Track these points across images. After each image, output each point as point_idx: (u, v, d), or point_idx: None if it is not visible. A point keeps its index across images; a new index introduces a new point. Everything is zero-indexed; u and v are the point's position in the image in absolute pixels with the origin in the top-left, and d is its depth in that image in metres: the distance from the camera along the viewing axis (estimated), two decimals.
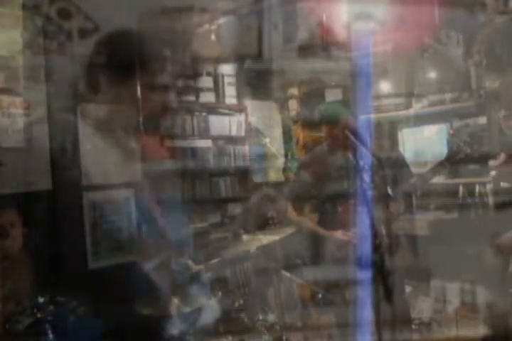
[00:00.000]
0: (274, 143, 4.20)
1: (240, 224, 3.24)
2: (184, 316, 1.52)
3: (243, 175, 3.94)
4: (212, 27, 3.33)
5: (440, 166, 2.36)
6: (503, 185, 2.46)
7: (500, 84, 2.92)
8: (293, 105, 4.18)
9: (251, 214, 3.27)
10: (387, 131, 3.71)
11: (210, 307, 2.01)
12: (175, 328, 1.48)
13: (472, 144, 2.28)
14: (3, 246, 1.32)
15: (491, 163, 2.50)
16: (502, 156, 2.40)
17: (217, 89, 3.87)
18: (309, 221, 2.59)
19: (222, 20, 3.35)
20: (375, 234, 1.81)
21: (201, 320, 1.63)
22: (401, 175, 2.43)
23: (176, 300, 1.50)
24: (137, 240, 1.41)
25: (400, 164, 2.50)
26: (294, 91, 4.16)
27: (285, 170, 4.07)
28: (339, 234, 2.38)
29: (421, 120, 3.58)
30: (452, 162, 2.33)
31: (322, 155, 2.54)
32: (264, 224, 3.29)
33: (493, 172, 2.62)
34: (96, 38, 1.45)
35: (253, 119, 4.06)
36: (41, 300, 1.21)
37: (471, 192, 3.25)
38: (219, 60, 3.75)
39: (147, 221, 1.45)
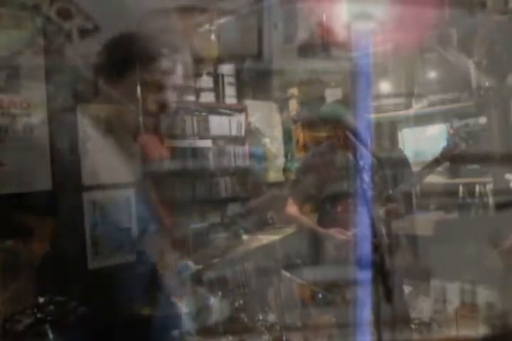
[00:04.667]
0: (274, 143, 4.20)
1: (245, 224, 3.25)
2: (184, 316, 1.52)
3: (243, 175, 3.94)
4: (212, 27, 3.33)
5: (435, 162, 2.35)
6: None
7: None
8: (293, 105, 4.18)
9: (258, 213, 3.27)
10: (387, 131, 3.71)
11: (212, 308, 2.01)
12: (175, 328, 1.48)
13: (468, 140, 2.27)
14: (11, 245, 1.32)
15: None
16: None
17: (217, 89, 3.87)
18: (310, 220, 2.59)
19: (222, 20, 3.35)
20: (374, 234, 1.81)
21: (204, 320, 1.64)
22: (403, 176, 2.42)
23: (175, 300, 1.50)
24: (142, 240, 1.41)
25: (402, 164, 2.50)
26: (294, 91, 4.16)
27: (285, 170, 4.08)
28: (338, 233, 2.38)
29: (421, 120, 3.58)
30: (447, 158, 2.32)
31: (322, 155, 2.54)
32: (264, 225, 3.29)
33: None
34: (100, 39, 1.45)
35: (253, 119, 4.07)
36: (41, 300, 1.21)
37: (471, 192, 3.25)
38: (219, 60, 3.75)
39: (150, 221, 1.45)
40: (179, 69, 1.43)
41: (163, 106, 1.41)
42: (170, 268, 1.47)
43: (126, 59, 1.38)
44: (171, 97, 1.41)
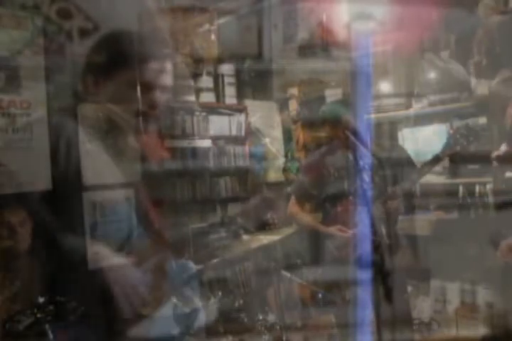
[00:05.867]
0: (274, 143, 4.20)
1: (239, 226, 3.25)
2: (183, 316, 1.52)
3: (243, 175, 3.94)
4: (212, 27, 3.33)
5: (435, 159, 2.35)
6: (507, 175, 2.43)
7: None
8: (293, 105, 4.18)
9: (249, 216, 3.27)
10: (387, 131, 3.71)
11: (209, 308, 2.01)
12: (174, 328, 1.48)
13: (468, 136, 2.27)
14: (12, 244, 1.32)
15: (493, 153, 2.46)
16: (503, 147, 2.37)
17: (217, 89, 3.86)
18: (311, 218, 2.59)
19: (222, 20, 3.35)
20: (374, 234, 1.81)
21: (200, 321, 1.64)
22: (407, 174, 2.42)
23: (175, 301, 1.50)
24: (135, 241, 1.41)
25: (405, 162, 2.49)
26: (294, 91, 4.16)
27: (285, 170, 4.07)
28: (340, 231, 2.37)
29: (421, 120, 3.58)
30: (447, 154, 2.33)
31: (324, 157, 2.55)
32: (264, 225, 3.30)
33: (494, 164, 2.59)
34: (98, 38, 1.45)
35: (253, 119, 4.06)
36: (41, 300, 1.21)
37: (471, 192, 3.25)
38: (219, 60, 3.75)
39: (144, 221, 1.45)
40: (170, 69, 1.43)
41: (153, 107, 1.40)
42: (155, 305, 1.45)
43: (117, 58, 1.38)
44: (162, 97, 1.41)
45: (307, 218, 2.60)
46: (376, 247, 1.80)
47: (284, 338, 2.28)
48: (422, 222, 3.23)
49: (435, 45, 3.28)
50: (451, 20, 3.07)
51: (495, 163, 2.35)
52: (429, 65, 3.32)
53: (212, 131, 3.80)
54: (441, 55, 3.27)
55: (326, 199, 2.48)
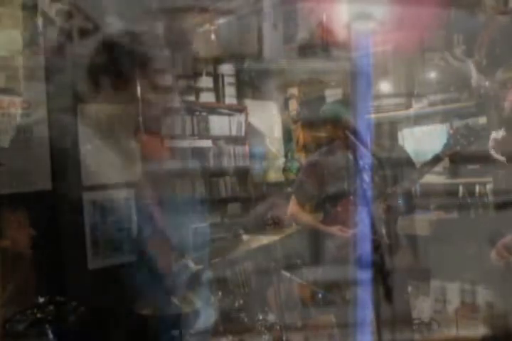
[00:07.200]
0: (274, 143, 4.20)
1: (239, 226, 3.25)
2: (184, 316, 1.52)
3: (243, 175, 3.94)
4: (212, 27, 3.33)
5: (436, 159, 2.34)
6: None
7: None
8: (293, 105, 4.18)
9: (261, 219, 3.28)
10: (387, 131, 3.71)
11: (209, 308, 2.01)
12: (174, 328, 1.49)
13: (469, 137, 2.27)
14: (10, 244, 1.32)
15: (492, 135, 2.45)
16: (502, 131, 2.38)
17: (217, 89, 3.87)
18: (311, 217, 2.59)
19: (222, 20, 3.35)
20: (374, 234, 1.82)
21: (200, 321, 1.64)
22: (406, 174, 2.41)
23: (175, 300, 1.50)
24: (137, 240, 1.42)
25: (405, 162, 2.49)
26: (294, 91, 4.17)
27: (285, 170, 4.08)
28: (340, 231, 2.37)
29: (421, 120, 3.58)
30: (448, 154, 2.32)
31: (324, 157, 2.55)
32: (264, 225, 3.30)
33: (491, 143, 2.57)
34: (99, 39, 1.46)
35: (253, 119, 4.07)
36: (41, 300, 1.21)
37: (471, 192, 3.24)
38: (219, 60, 3.75)
39: (147, 221, 1.45)
40: (172, 69, 1.43)
41: (155, 106, 1.41)
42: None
43: (119, 59, 1.38)
44: (168, 97, 1.42)
45: (308, 218, 2.60)
46: (376, 247, 1.80)
47: (284, 338, 2.29)
48: (422, 222, 3.22)
49: (447, 43, 3.26)
50: (459, 18, 3.06)
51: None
52: (441, 63, 3.31)
53: (212, 131, 3.80)
54: (454, 52, 3.25)
55: (327, 199, 2.48)
